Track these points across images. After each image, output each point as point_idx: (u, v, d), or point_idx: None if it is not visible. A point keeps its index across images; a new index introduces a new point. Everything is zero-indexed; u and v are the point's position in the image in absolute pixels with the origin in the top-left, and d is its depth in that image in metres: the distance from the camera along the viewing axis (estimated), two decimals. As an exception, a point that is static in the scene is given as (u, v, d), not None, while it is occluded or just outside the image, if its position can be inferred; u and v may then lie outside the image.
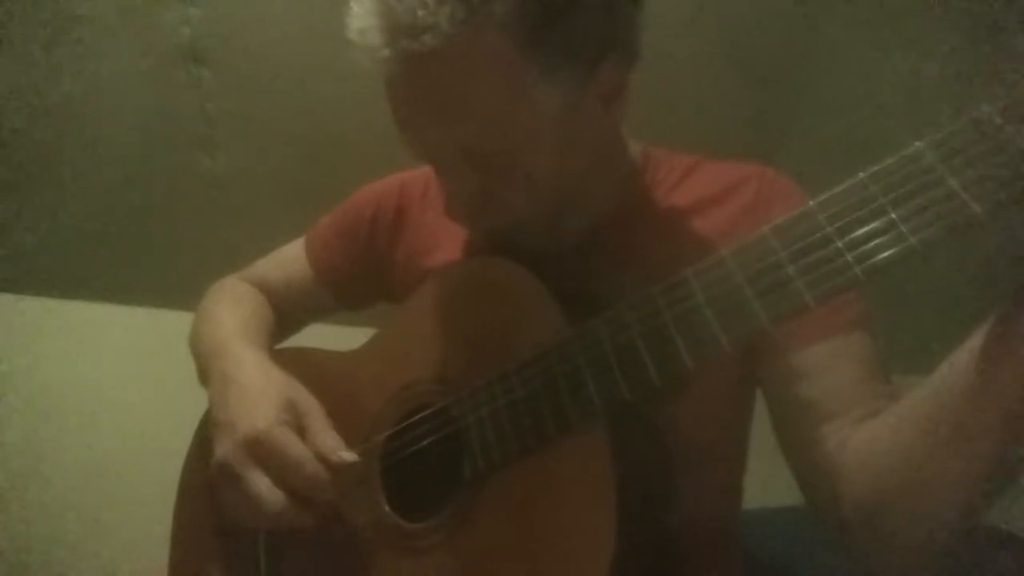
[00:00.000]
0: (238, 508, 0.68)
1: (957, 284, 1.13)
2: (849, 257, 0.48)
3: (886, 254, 0.47)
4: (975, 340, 0.52)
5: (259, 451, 0.66)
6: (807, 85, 1.29)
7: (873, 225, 0.48)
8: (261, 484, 0.66)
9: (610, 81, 0.68)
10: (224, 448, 0.69)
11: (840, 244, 0.49)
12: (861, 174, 0.50)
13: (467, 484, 0.66)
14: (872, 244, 0.48)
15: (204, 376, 0.84)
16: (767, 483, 0.79)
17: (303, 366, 0.78)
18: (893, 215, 0.47)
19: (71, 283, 1.58)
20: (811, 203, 0.52)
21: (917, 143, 0.47)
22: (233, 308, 0.92)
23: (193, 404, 0.86)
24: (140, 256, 1.58)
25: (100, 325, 1.63)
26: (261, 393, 0.71)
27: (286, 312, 0.99)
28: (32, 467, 1.56)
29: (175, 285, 1.19)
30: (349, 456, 0.68)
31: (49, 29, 1.30)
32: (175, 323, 1.00)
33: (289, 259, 0.99)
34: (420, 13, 0.59)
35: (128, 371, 1.62)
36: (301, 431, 0.69)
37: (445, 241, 0.86)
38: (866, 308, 0.70)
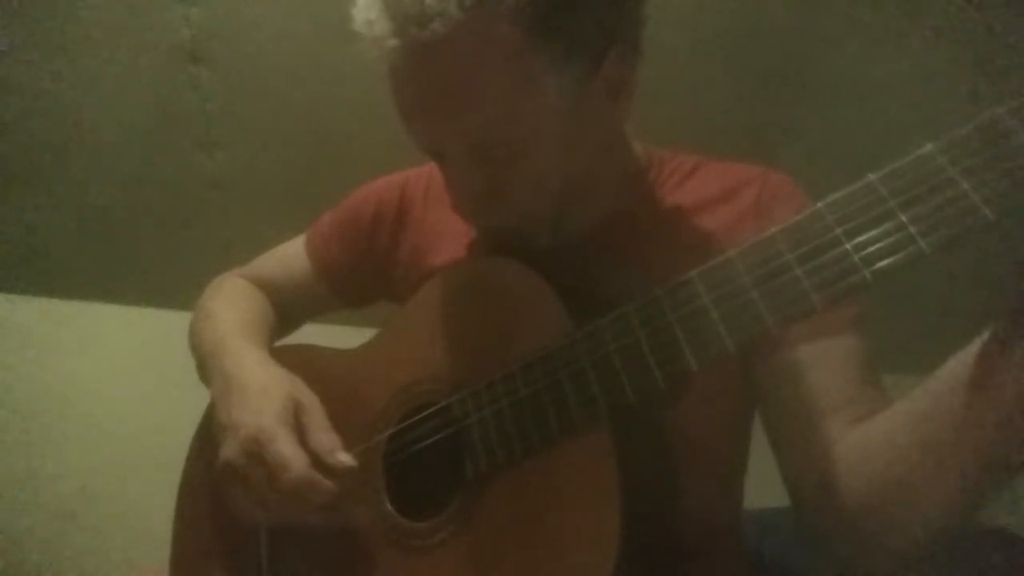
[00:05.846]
0: (243, 507, 0.68)
1: (956, 284, 1.13)
2: (857, 260, 0.48)
3: (895, 257, 0.47)
4: (973, 348, 0.52)
5: (258, 449, 0.67)
6: (807, 85, 1.29)
7: (882, 228, 0.47)
8: (263, 482, 0.66)
9: (616, 74, 0.68)
10: (228, 448, 0.69)
11: (848, 246, 0.49)
12: (871, 176, 0.49)
13: (469, 484, 0.66)
14: (881, 247, 0.47)
15: (204, 373, 0.84)
16: (767, 483, 0.79)
17: (304, 364, 0.78)
18: (903, 218, 0.47)
19: (71, 283, 1.58)
20: (819, 205, 0.51)
21: (928, 145, 0.47)
22: (233, 305, 0.92)
23: (193, 404, 0.86)
24: (140, 256, 1.58)
25: (100, 325, 1.63)
26: (263, 391, 0.72)
27: (286, 309, 0.98)
28: (32, 467, 1.56)
29: (175, 285, 1.19)
30: (347, 459, 0.68)
31: (49, 29, 1.30)
32: (175, 323, 1.00)
33: (289, 256, 0.99)
34: (428, 1, 0.59)
35: (128, 371, 1.62)
36: (301, 430, 0.69)
37: (448, 239, 0.86)
38: (860, 310, 0.70)
